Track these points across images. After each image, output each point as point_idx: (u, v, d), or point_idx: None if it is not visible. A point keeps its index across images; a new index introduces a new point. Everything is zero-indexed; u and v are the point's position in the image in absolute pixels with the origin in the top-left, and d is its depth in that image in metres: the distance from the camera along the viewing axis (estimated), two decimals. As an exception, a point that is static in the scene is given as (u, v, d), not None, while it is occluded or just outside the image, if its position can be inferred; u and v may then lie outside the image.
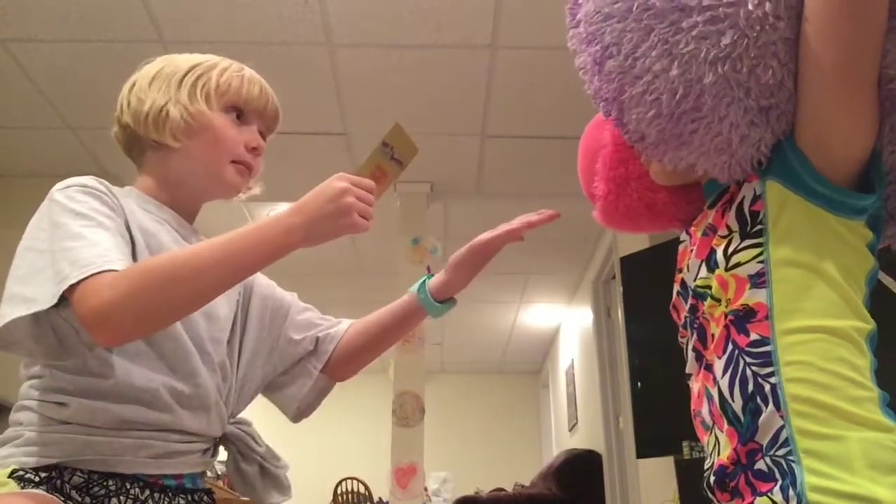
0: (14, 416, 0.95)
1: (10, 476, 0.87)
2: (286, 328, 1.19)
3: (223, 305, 1.08)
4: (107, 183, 1.00)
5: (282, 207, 5.27)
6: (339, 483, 6.84)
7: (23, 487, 0.86)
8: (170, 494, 0.97)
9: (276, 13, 2.93)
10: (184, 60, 1.09)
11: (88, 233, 0.89)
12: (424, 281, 1.21)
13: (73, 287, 0.83)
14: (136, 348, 0.95)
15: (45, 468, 0.89)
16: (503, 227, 1.16)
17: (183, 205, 1.09)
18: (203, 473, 1.05)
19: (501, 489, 6.15)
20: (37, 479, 0.88)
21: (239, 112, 1.09)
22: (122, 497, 0.92)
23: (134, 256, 0.95)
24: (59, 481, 0.89)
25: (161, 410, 0.95)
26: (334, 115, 3.59)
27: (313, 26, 3.02)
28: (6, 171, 3.87)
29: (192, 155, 1.06)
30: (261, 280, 1.21)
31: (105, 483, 0.91)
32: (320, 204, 0.91)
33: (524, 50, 3.16)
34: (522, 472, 6.97)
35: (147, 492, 0.94)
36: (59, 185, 0.96)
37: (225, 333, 1.08)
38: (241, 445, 1.10)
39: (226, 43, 3.01)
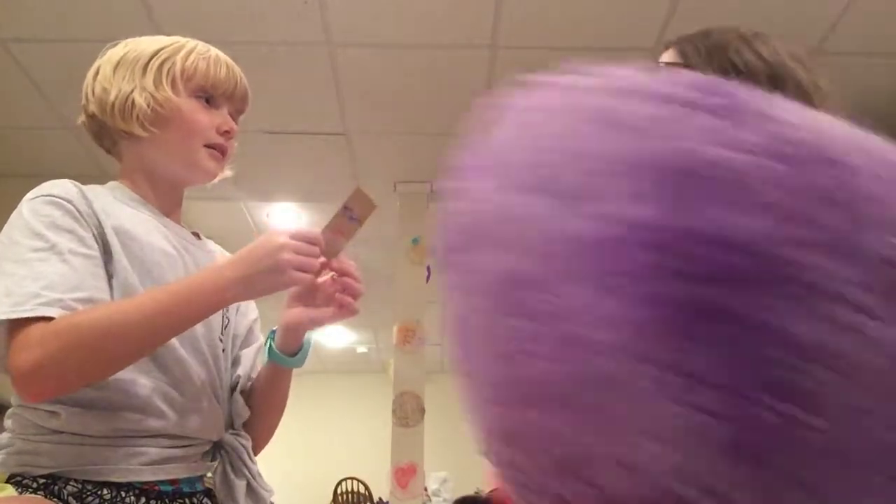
0: (6, 422, 0.93)
1: (7, 481, 0.87)
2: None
3: None
4: (80, 187, 0.97)
5: (282, 207, 5.22)
6: (339, 483, 6.84)
7: (21, 492, 0.85)
8: (166, 500, 0.95)
9: (276, 13, 2.93)
10: (148, 44, 1.05)
11: (36, 259, 0.87)
12: (270, 344, 1.07)
13: (3, 321, 0.83)
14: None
15: (41, 475, 0.88)
16: (317, 313, 1.02)
17: (163, 193, 1.07)
18: (202, 477, 1.03)
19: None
20: (34, 484, 0.87)
21: (208, 96, 1.05)
22: None
23: (110, 263, 0.94)
24: (55, 487, 0.88)
25: (154, 416, 0.93)
26: (334, 115, 3.59)
27: (313, 26, 3.01)
28: (6, 171, 3.87)
29: (163, 143, 1.03)
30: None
31: (99, 493, 0.89)
32: (256, 259, 0.91)
33: (524, 50, 3.16)
34: (522, 472, 6.95)
35: (143, 499, 0.92)
36: (29, 194, 0.95)
37: (218, 329, 1.06)
38: (234, 457, 1.05)
39: (226, 43, 3.00)
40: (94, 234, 0.94)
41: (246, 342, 1.14)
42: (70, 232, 0.91)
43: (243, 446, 1.06)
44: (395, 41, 3.12)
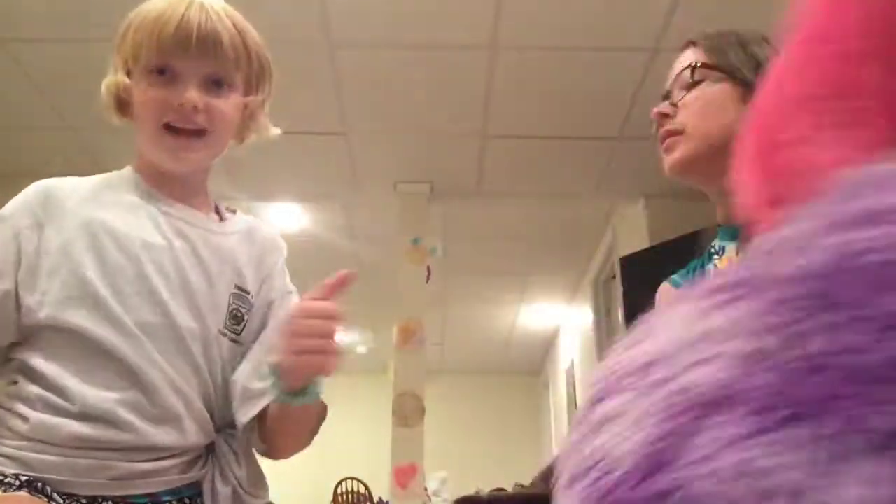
0: None
1: None
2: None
3: (222, 294, 0.98)
4: (42, 190, 0.95)
5: (282, 207, 5.21)
6: (339, 483, 6.84)
7: (4, 491, 0.82)
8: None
9: (275, 12, 2.93)
10: (130, 14, 0.98)
11: None
12: (275, 382, 0.92)
13: None
14: (88, 364, 0.87)
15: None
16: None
17: (168, 179, 1.00)
18: (192, 484, 0.93)
19: (501, 489, 6.14)
20: (17, 482, 0.84)
21: (161, 68, 0.93)
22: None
23: (41, 262, 0.91)
24: (38, 483, 0.84)
25: (122, 430, 0.86)
26: (334, 115, 3.59)
27: (313, 26, 3.01)
28: (6, 171, 3.86)
29: (138, 130, 0.97)
30: (281, 286, 1.06)
31: (75, 496, 0.85)
32: None
33: (524, 50, 3.16)
34: (522, 472, 6.96)
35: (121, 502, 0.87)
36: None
37: (219, 323, 0.97)
38: (223, 462, 0.95)
39: (226, 43, 3.00)
40: (27, 247, 0.91)
41: (264, 327, 1.01)
42: None
43: (233, 451, 0.97)
44: (395, 41, 3.12)
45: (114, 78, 0.96)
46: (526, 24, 3.00)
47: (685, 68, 1.06)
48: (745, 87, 1.01)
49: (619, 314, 4.05)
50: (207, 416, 0.94)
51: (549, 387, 7.86)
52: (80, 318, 0.88)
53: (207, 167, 1.05)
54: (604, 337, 4.85)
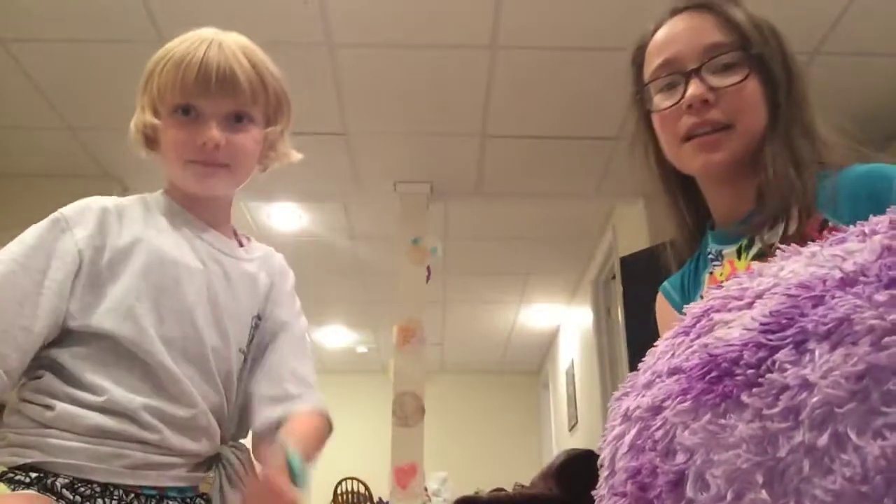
0: (5, 419, 0.94)
1: (0, 477, 0.87)
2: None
3: (246, 315, 1.06)
4: (101, 208, 1.01)
5: (282, 207, 5.24)
6: (339, 483, 6.84)
7: (13, 489, 0.85)
8: (157, 498, 0.94)
9: (275, 13, 2.93)
10: (154, 58, 1.06)
11: None
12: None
13: None
14: (118, 367, 0.94)
15: (33, 468, 0.89)
16: None
17: (198, 204, 1.08)
18: (195, 486, 0.99)
19: (501, 489, 6.14)
20: (27, 479, 0.87)
21: (184, 107, 1.02)
22: (106, 499, 0.90)
23: (100, 280, 0.96)
24: (48, 480, 0.88)
25: (143, 428, 0.93)
26: (334, 115, 3.59)
27: (313, 26, 3.01)
28: (6, 171, 3.86)
29: (163, 162, 1.06)
30: (285, 299, 1.14)
31: (90, 484, 0.90)
32: None
33: (524, 50, 3.16)
34: (522, 472, 6.97)
35: (132, 494, 0.92)
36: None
37: (240, 342, 1.05)
38: (231, 471, 1.01)
39: (226, 43, 3.00)
40: (76, 260, 0.96)
41: (268, 347, 1.08)
42: (28, 258, 0.94)
43: (241, 460, 1.02)
44: (395, 41, 3.12)
45: (142, 117, 1.04)
46: (526, 24, 3.00)
47: (722, 52, 0.94)
48: (771, 83, 0.94)
49: (619, 314, 4.05)
50: (218, 428, 1.01)
51: (548, 387, 7.86)
52: (116, 327, 0.94)
53: (231, 196, 1.15)
54: (604, 337, 4.86)
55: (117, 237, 0.99)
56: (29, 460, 0.89)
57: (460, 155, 3.93)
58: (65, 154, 3.78)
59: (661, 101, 0.99)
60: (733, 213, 0.98)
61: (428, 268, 4.10)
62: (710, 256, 1.01)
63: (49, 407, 0.91)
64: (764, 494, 0.40)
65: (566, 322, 6.65)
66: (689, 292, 1.05)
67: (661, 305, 1.10)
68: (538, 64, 3.24)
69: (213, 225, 1.10)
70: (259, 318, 1.09)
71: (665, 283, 1.11)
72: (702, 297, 0.84)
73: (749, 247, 0.94)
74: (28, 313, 0.91)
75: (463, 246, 5.05)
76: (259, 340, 1.09)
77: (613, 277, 4.38)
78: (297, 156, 1.16)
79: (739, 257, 0.95)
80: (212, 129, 1.01)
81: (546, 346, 7.57)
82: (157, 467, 0.94)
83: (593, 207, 4.53)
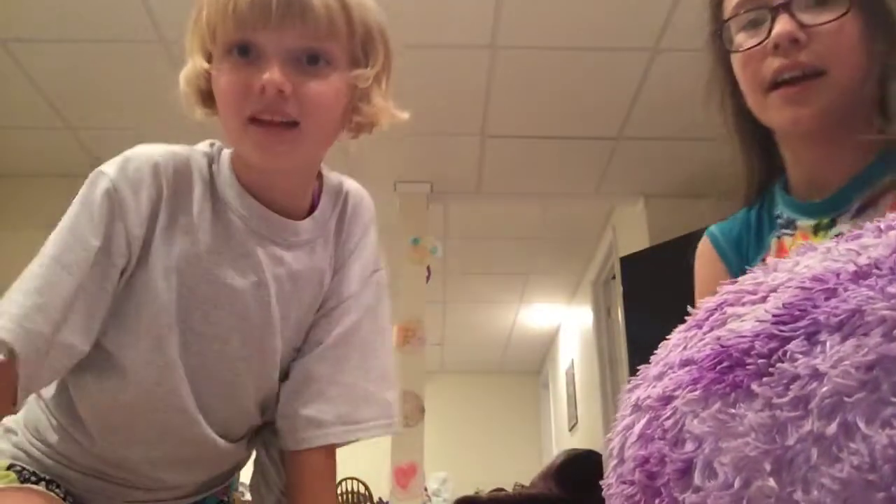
0: (29, 404, 0.88)
1: (9, 468, 0.84)
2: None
3: (309, 315, 0.92)
4: (169, 166, 0.81)
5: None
6: (339, 483, 6.84)
7: (22, 480, 0.83)
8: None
9: (276, 13, 2.93)
10: None
11: (36, 268, 0.75)
12: None
13: None
14: (121, 417, 0.84)
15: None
16: None
17: (266, 182, 0.85)
18: (225, 489, 0.96)
19: (501, 489, 6.14)
20: (33, 478, 0.86)
21: (241, 46, 0.76)
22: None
23: (139, 269, 0.81)
24: (54, 484, 0.87)
25: (140, 475, 0.87)
26: (334, 115, 3.59)
27: (313, 26, 3.01)
28: (6, 171, 3.86)
29: (222, 123, 0.80)
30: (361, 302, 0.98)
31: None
32: None
33: (524, 50, 3.16)
34: (522, 472, 6.97)
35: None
36: (106, 165, 0.82)
37: (294, 345, 0.93)
38: (266, 469, 0.95)
39: (226, 43, 3.00)
40: (129, 236, 0.78)
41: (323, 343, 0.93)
42: (91, 237, 0.77)
43: (272, 460, 0.95)
44: (396, 41, 3.11)
45: (191, 65, 0.79)
46: (526, 24, 3.00)
47: None
48: (876, 23, 0.80)
49: (619, 314, 4.05)
50: (246, 451, 0.94)
51: (548, 387, 7.86)
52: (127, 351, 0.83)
53: (316, 161, 0.92)
54: (604, 337, 4.85)
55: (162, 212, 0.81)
56: (31, 468, 0.87)
57: (460, 155, 3.93)
58: (65, 154, 3.77)
59: (743, 41, 0.85)
60: (817, 179, 0.85)
61: (428, 268, 4.10)
62: (780, 221, 0.89)
63: (54, 432, 0.86)
64: (772, 482, 0.41)
65: (566, 322, 6.65)
66: (746, 249, 0.92)
67: (706, 252, 0.97)
68: (538, 64, 3.23)
69: (284, 198, 0.88)
70: (322, 304, 0.93)
71: (713, 228, 0.97)
72: (763, 260, 0.78)
73: (830, 226, 0.82)
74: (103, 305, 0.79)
75: (463, 246, 5.04)
76: (319, 327, 0.93)
77: (613, 277, 4.38)
78: (402, 114, 0.92)
79: (816, 234, 0.83)
80: (272, 69, 0.75)
81: (546, 346, 7.57)
82: (170, 489, 0.90)
83: (593, 207, 4.53)
